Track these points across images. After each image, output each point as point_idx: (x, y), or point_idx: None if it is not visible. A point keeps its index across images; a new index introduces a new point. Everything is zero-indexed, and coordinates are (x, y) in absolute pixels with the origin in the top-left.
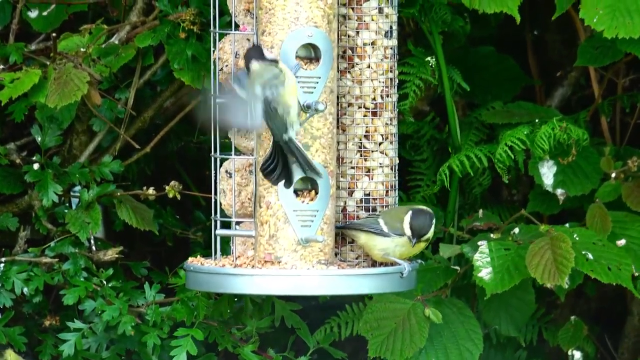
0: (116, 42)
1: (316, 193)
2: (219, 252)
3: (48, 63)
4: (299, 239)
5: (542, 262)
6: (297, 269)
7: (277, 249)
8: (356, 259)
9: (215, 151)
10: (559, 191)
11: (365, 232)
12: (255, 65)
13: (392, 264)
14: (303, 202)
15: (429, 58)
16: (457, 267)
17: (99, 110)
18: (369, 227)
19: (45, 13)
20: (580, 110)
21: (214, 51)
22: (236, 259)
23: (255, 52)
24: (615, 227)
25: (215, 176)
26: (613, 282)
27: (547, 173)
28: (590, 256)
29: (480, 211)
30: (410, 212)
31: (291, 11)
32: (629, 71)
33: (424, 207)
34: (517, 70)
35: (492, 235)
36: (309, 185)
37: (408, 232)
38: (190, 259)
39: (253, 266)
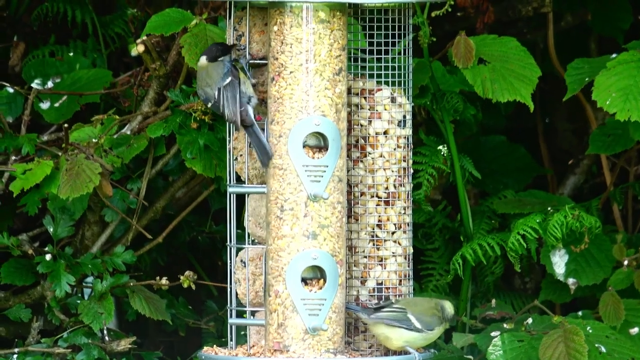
0: (128, 132)
1: (324, 282)
2: (234, 341)
3: (60, 154)
4: (306, 327)
5: (555, 355)
6: (305, 357)
7: (286, 338)
8: (369, 348)
9: (231, 240)
10: (570, 281)
11: (388, 326)
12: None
13: (404, 352)
14: (311, 290)
15: (440, 147)
16: (471, 357)
17: (111, 201)
18: (400, 324)
19: (57, 104)
20: (592, 198)
21: (229, 141)
22: (250, 348)
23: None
24: (628, 315)
25: (231, 265)
26: None
27: (559, 262)
28: (603, 349)
29: (493, 301)
30: (440, 305)
31: (299, 100)
32: None
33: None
34: (529, 159)
35: (505, 325)
36: (317, 274)
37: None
38: (205, 348)
39: (262, 355)
